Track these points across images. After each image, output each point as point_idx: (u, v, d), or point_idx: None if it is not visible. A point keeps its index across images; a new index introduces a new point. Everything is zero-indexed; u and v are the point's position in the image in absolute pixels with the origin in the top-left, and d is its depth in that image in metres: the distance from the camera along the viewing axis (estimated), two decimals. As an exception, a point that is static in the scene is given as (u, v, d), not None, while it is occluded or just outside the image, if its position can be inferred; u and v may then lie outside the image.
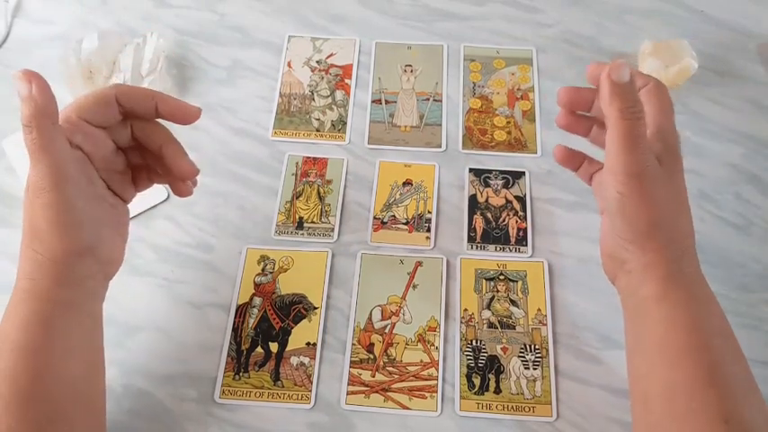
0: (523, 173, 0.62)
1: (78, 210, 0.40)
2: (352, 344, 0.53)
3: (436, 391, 0.51)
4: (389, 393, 0.51)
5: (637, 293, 0.43)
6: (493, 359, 0.52)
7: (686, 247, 0.42)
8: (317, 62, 0.69)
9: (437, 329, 0.54)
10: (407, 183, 0.61)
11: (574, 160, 0.48)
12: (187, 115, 0.44)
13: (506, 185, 0.61)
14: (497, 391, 0.51)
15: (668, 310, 0.41)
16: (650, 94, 0.44)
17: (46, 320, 0.40)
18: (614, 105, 0.39)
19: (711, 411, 0.37)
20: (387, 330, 0.54)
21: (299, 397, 0.51)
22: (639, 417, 0.42)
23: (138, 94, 0.43)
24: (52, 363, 0.40)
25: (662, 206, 0.41)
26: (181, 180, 0.47)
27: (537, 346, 0.53)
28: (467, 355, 0.53)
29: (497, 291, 0.55)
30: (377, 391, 0.51)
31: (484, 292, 0.55)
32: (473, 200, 0.60)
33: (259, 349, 0.53)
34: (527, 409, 0.50)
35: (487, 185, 0.61)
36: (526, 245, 0.58)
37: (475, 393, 0.51)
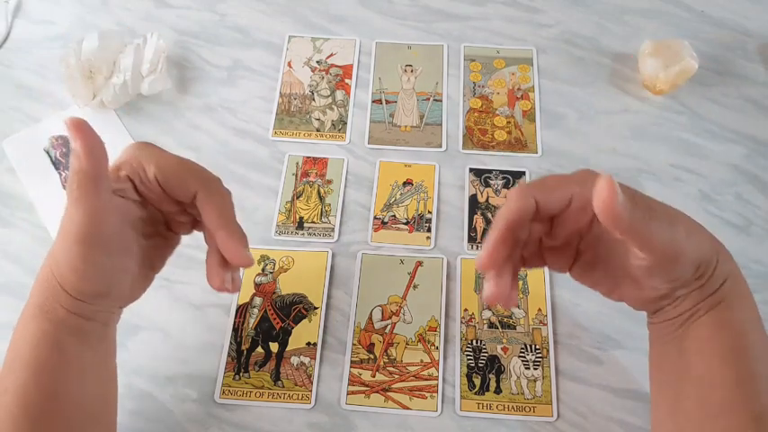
0: (524, 173, 0.62)
1: (97, 265, 0.39)
2: (353, 344, 0.53)
3: (436, 391, 0.51)
4: (390, 393, 0.51)
5: (682, 326, 0.40)
6: (493, 359, 0.52)
7: (725, 269, 0.39)
8: (318, 62, 0.69)
9: (437, 329, 0.54)
10: (408, 183, 0.61)
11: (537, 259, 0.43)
12: (237, 260, 0.41)
13: (507, 185, 0.61)
14: (498, 391, 0.51)
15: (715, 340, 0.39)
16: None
17: (56, 342, 0.39)
18: (622, 228, 0.34)
19: (745, 408, 0.37)
20: (387, 330, 0.54)
21: (300, 397, 0.51)
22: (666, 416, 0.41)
23: (213, 214, 0.40)
24: (63, 383, 0.39)
25: (680, 247, 0.37)
26: (232, 263, 0.42)
27: (537, 346, 0.53)
28: (467, 355, 0.53)
29: (498, 291, 0.55)
30: (377, 391, 0.51)
31: (484, 292, 0.55)
32: (473, 200, 0.60)
33: (259, 349, 0.53)
34: (527, 409, 0.50)
35: (488, 185, 0.61)
36: (526, 245, 0.58)
37: (475, 393, 0.51)
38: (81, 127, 0.36)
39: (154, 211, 0.42)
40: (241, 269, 0.56)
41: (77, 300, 0.40)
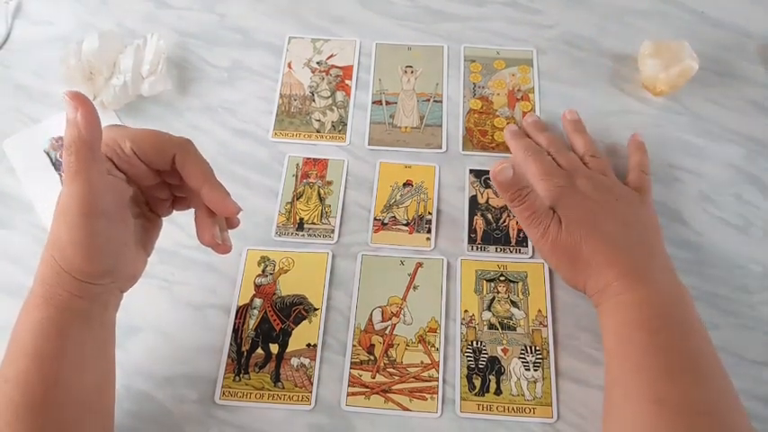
0: (524, 174, 0.62)
1: (101, 236, 0.40)
2: (353, 345, 0.53)
3: (437, 393, 0.51)
4: (390, 395, 0.51)
5: (600, 296, 0.49)
6: (493, 360, 0.52)
7: (646, 258, 0.49)
8: (318, 63, 0.69)
9: (437, 330, 0.54)
10: (408, 184, 0.61)
11: None
12: (224, 210, 0.44)
13: (507, 186, 0.61)
14: (498, 392, 0.51)
15: (621, 311, 0.47)
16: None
17: (60, 329, 0.40)
18: (505, 197, 0.51)
19: (642, 395, 0.43)
20: (387, 331, 0.54)
21: (300, 398, 0.51)
22: (604, 407, 0.47)
23: (194, 172, 0.43)
24: (64, 371, 0.40)
25: (595, 242, 0.49)
26: (221, 215, 0.46)
27: (537, 348, 0.53)
28: (467, 357, 0.53)
29: (498, 292, 0.55)
30: (377, 393, 0.51)
31: (484, 293, 0.55)
32: (473, 201, 0.60)
33: (259, 350, 0.53)
34: (527, 411, 0.50)
35: (488, 186, 0.61)
36: (527, 246, 0.58)
37: (475, 395, 0.51)
38: (81, 98, 0.38)
39: (136, 190, 0.44)
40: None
41: (81, 281, 0.40)
